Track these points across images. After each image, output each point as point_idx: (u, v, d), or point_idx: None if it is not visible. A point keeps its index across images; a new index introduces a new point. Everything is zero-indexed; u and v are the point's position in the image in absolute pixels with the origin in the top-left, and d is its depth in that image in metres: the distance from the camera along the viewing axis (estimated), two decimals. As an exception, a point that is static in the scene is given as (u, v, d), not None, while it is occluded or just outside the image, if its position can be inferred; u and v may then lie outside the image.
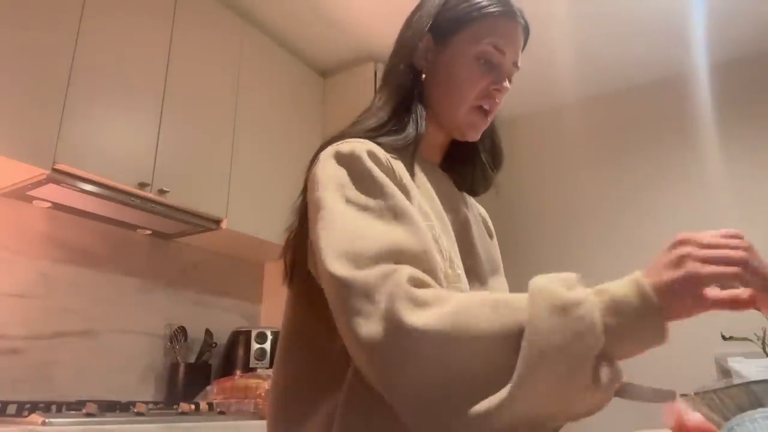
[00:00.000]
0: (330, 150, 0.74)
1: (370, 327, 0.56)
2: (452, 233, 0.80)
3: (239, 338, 2.25)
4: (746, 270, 0.48)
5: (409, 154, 0.80)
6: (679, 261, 0.50)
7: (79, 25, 1.72)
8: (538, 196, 2.95)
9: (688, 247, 0.50)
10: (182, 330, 2.16)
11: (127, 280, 2.08)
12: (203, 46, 2.13)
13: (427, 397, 0.53)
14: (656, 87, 2.81)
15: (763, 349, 1.74)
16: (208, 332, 2.23)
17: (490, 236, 0.96)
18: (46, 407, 1.47)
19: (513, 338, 0.51)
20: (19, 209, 1.81)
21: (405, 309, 0.54)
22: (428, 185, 0.82)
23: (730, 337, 1.80)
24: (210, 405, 1.73)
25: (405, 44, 0.88)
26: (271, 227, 2.27)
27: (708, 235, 0.51)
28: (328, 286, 0.62)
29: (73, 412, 1.43)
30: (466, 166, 0.92)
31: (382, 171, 0.70)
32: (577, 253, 2.80)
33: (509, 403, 0.49)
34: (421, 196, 0.77)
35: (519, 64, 0.85)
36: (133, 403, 1.56)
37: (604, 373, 0.49)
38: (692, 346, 2.16)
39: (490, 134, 0.92)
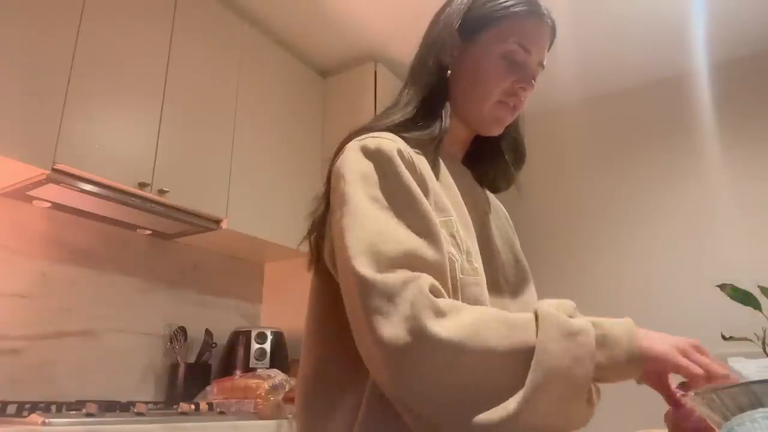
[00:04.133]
0: (357, 143, 0.75)
1: (391, 329, 0.59)
2: (472, 227, 0.81)
3: (239, 338, 2.25)
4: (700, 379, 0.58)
5: (432, 149, 0.82)
6: (679, 350, 0.59)
7: (79, 25, 1.72)
8: (537, 196, 2.95)
9: (691, 349, 0.60)
10: (182, 330, 2.16)
11: (127, 280, 2.08)
12: (203, 46, 2.13)
13: (439, 401, 0.57)
14: (657, 87, 2.81)
15: (763, 349, 1.74)
16: (208, 332, 2.23)
17: (512, 230, 0.97)
18: (46, 407, 1.48)
19: (522, 356, 0.57)
20: (19, 209, 1.81)
21: (428, 317, 0.58)
22: (450, 179, 0.83)
23: (730, 337, 1.80)
24: (210, 405, 1.73)
25: (433, 41, 0.88)
26: (271, 227, 2.27)
27: (707, 357, 0.61)
28: (348, 282, 0.64)
29: (73, 412, 1.43)
30: (488, 162, 0.93)
31: (407, 170, 0.72)
32: (577, 254, 2.80)
33: (516, 414, 0.55)
34: (442, 190, 0.79)
35: (545, 64, 0.86)
36: (133, 403, 1.56)
37: (595, 394, 0.58)
38: (692, 346, 2.16)
39: (513, 131, 0.93)
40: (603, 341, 0.57)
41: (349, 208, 0.68)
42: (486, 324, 0.59)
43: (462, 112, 0.87)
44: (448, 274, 0.68)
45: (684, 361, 0.58)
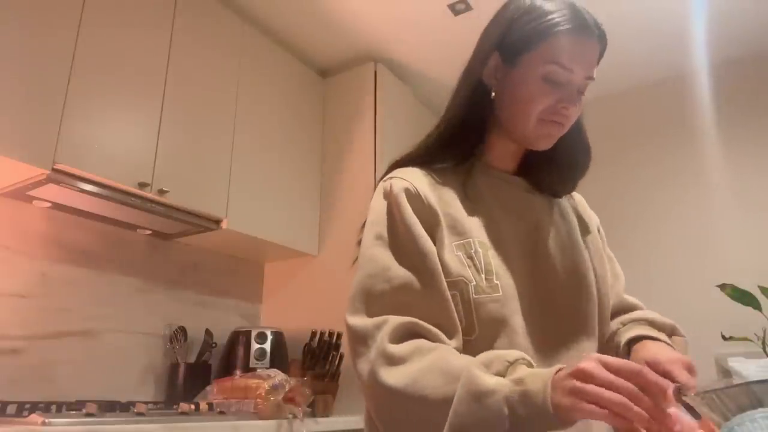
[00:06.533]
0: (381, 185, 0.87)
1: (362, 367, 0.73)
2: (505, 242, 0.83)
3: (239, 338, 2.24)
4: (618, 410, 0.54)
5: (462, 173, 0.87)
6: (570, 391, 0.57)
7: (79, 25, 1.72)
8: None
9: (579, 382, 0.57)
10: (182, 330, 2.15)
11: (126, 280, 2.08)
12: (203, 46, 2.13)
13: (393, 429, 0.72)
14: (657, 87, 2.81)
15: (763, 349, 1.74)
16: (208, 332, 2.23)
17: (587, 231, 0.95)
18: (46, 407, 1.47)
19: (448, 407, 0.63)
20: (19, 209, 1.81)
21: (380, 365, 0.70)
22: (486, 197, 0.86)
23: (730, 337, 1.80)
24: (210, 405, 1.73)
25: (474, 62, 0.89)
26: (271, 227, 2.27)
27: (603, 373, 0.56)
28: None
29: (73, 412, 1.43)
30: (542, 169, 0.93)
31: (413, 208, 0.81)
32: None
33: None
34: (468, 212, 0.84)
35: (594, 75, 0.84)
36: (133, 403, 1.56)
37: None
38: (692, 346, 2.15)
39: (574, 135, 0.91)
40: (523, 397, 0.59)
41: (361, 250, 0.82)
42: (427, 374, 0.66)
43: (508, 131, 0.88)
44: (447, 302, 0.75)
45: (587, 408, 0.55)
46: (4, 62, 1.54)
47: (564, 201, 0.96)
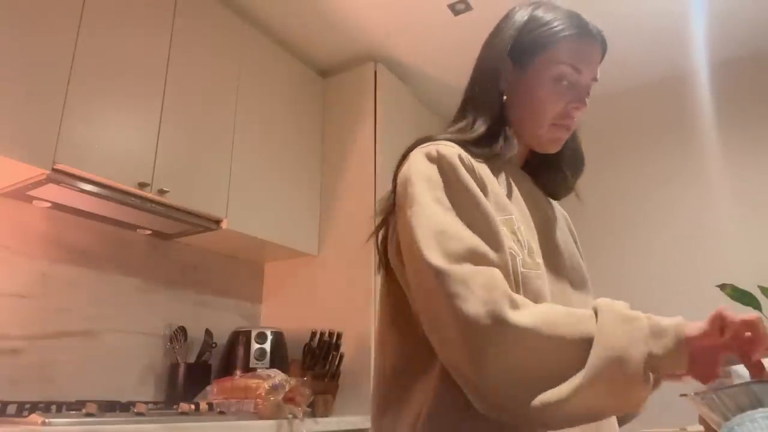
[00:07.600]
0: (420, 150, 0.81)
1: (473, 310, 0.64)
2: (534, 228, 0.85)
3: (239, 338, 2.24)
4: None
5: (498, 161, 0.86)
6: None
7: (79, 25, 1.72)
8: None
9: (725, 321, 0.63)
10: (182, 330, 2.15)
11: (126, 280, 2.07)
12: (203, 47, 2.13)
13: (509, 380, 0.63)
14: (656, 87, 2.81)
15: (763, 349, 1.74)
16: (208, 332, 2.23)
17: (574, 237, 1.00)
18: (46, 407, 1.48)
19: (585, 343, 0.63)
20: (19, 209, 1.81)
21: (505, 305, 0.65)
22: (513, 185, 0.87)
23: (730, 337, 1.80)
24: (210, 405, 1.73)
25: (488, 68, 0.91)
26: (271, 227, 2.27)
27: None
28: (421, 273, 0.70)
29: (73, 412, 1.43)
30: (547, 171, 0.96)
31: (467, 173, 0.77)
32: (577, 253, 2.79)
33: (576, 393, 0.60)
34: (503, 192, 0.83)
35: (597, 78, 0.89)
36: (133, 403, 1.56)
37: (650, 374, 0.62)
38: (692, 346, 2.16)
39: (571, 142, 0.95)
40: (655, 330, 0.63)
41: (417, 208, 0.74)
42: (555, 315, 0.66)
43: (519, 133, 0.90)
44: (510, 270, 0.73)
45: (729, 314, 0.61)
46: (4, 62, 1.54)
47: (556, 204, 1.00)
